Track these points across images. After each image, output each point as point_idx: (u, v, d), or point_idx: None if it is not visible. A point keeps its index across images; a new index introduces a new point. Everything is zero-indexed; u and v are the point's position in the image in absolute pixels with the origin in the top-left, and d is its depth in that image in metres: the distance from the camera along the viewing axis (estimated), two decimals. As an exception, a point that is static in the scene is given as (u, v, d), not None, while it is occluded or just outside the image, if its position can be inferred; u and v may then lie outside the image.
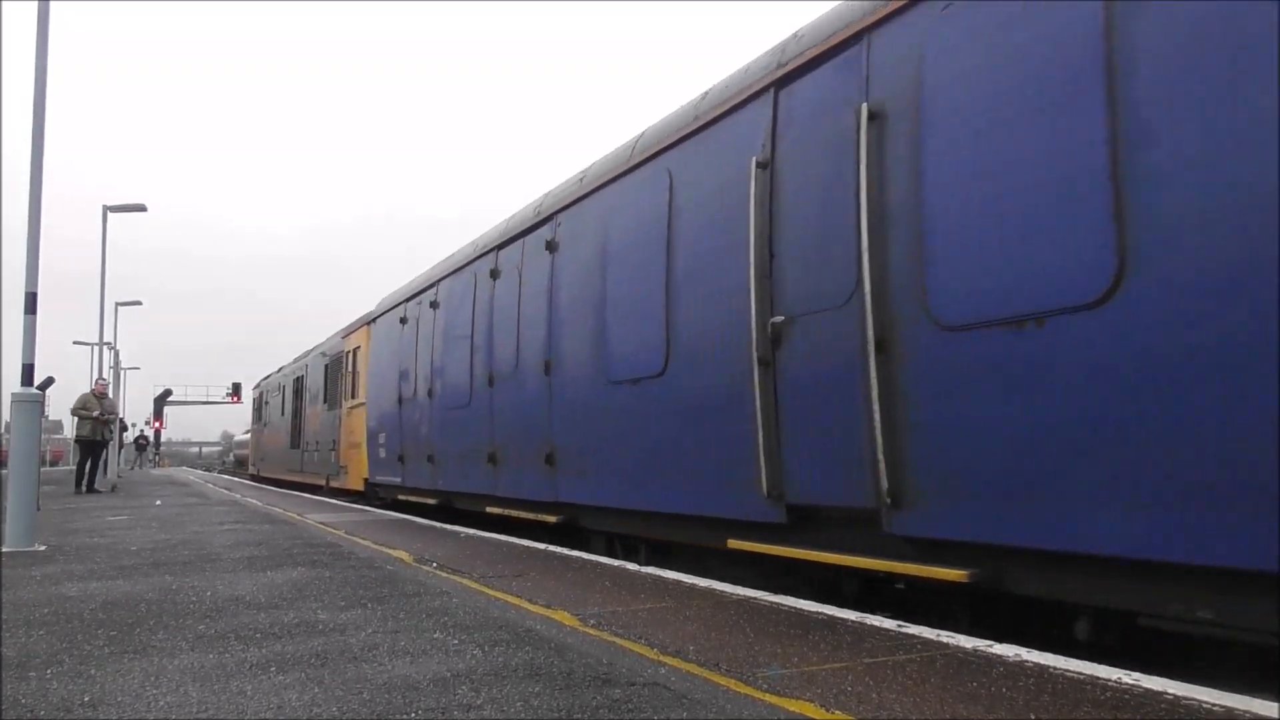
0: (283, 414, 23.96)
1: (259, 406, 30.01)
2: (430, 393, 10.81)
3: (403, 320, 12.21)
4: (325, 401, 18.13)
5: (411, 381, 11.60)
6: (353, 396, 15.45)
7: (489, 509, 9.14)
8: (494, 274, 9.12)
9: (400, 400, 12.03)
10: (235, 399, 62.16)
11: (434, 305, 11.00)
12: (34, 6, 7.93)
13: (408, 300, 12.20)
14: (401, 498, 12.31)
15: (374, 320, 14.00)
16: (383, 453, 12.93)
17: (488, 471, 8.98)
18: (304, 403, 20.86)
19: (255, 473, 30.37)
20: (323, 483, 17.79)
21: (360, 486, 14.59)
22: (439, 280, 10.99)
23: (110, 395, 19.19)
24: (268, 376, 28.63)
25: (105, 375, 24.41)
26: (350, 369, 15.80)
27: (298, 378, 21.94)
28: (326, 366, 18.18)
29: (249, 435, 36.82)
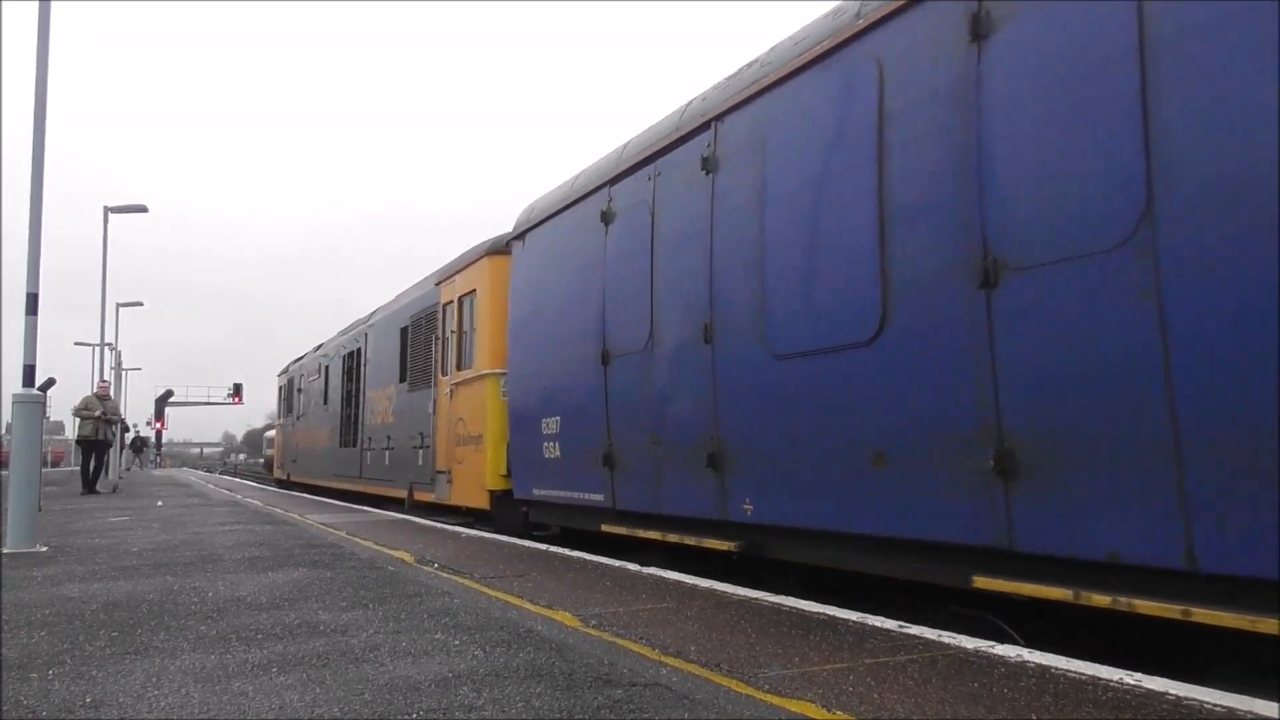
0: (325, 402, 18.68)
1: (288, 395, 23.99)
2: (708, 333, 5.69)
3: (605, 217, 7.01)
4: (405, 379, 12.85)
5: (638, 318, 6.41)
6: (459, 366, 10.44)
7: (995, 585, 3.92)
8: (976, 27, 4.09)
9: (605, 356, 6.79)
10: (236, 399, 62.44)
11: (710, 166, 5.86)
12: (34, 6, 7.94)
13: (615, 181, 6.97)
14: (610, 530, 6.95)
15: (518, 238, 8.77)
16: (551, 450, 7.75)
17: (975, 495, 3.97)
18: (362, 385, 15.53)
19: (285, 477, 24.01)
20: (403, 495, 12.44)
21: (483, 504, 9.43)
22: (722, 114, 5.85)
23: (112, 396, 19.25)
24: (299, 358, 22.90)
25: (107, 376, 24.43)
26: (455, 328, 10.64)
27: (350, 353, 16.47)
28: (405, 330, 13.00)
29: (274, 432, 29.47)
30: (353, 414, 16.05)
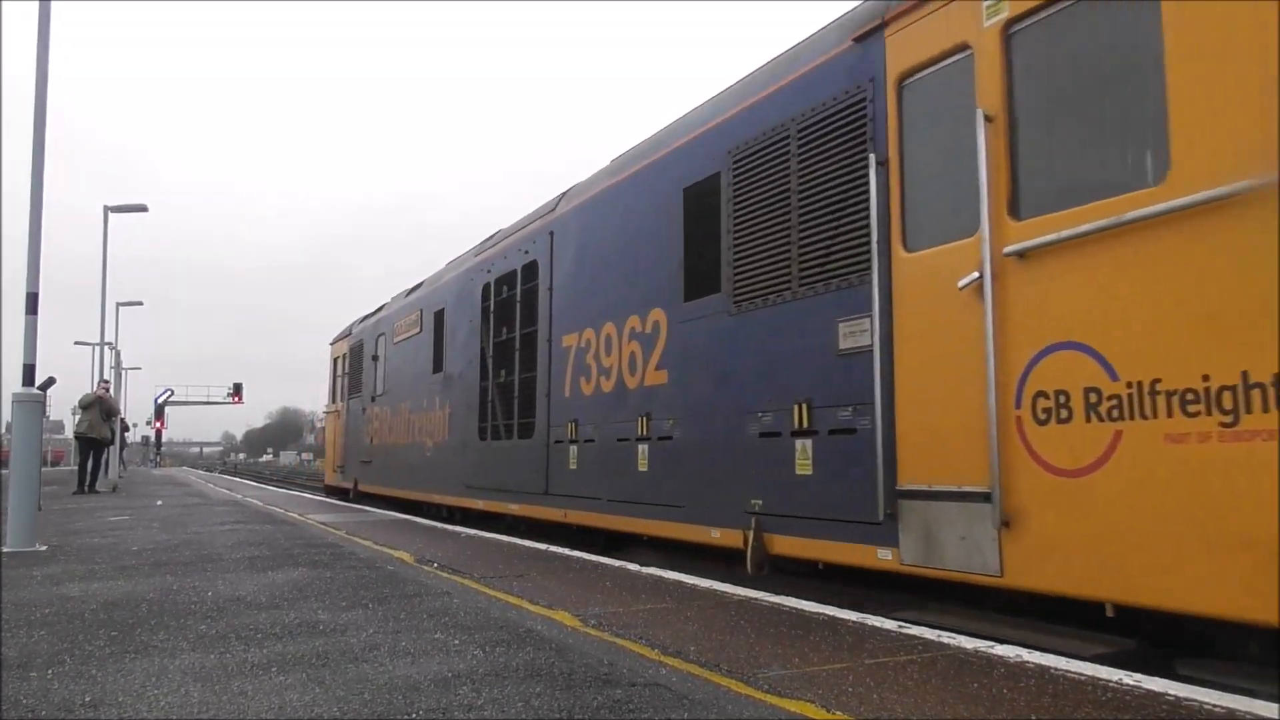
0: (437, 369, 11.83)
1: (353, 367, 16.43)
2: None
3: None
4: (721, 289, 6.05)
5: None
6: (1019, 210, 3.99)
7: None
8: None
9: None
10: (236, 399, 62.51)
11: None
12: (34, 6, 7.93)
13: None
14: None
15: None
16: None
17: None
18: (546, 326, 8.69)
19: (349, 486, 16.32)
20: (714, 539, 5.90)
21: None
22: None
23: (112, 393, 19.28)
24: (371, 314, 15.96)
25: (107, 375, 24.46)
26: (1000, 106, 4.04)
27: (501, 277, 9.87)
28: (701, 191, 6.40)
29: (329, 417, 19.48)
30: (512, 381, 9.48)
